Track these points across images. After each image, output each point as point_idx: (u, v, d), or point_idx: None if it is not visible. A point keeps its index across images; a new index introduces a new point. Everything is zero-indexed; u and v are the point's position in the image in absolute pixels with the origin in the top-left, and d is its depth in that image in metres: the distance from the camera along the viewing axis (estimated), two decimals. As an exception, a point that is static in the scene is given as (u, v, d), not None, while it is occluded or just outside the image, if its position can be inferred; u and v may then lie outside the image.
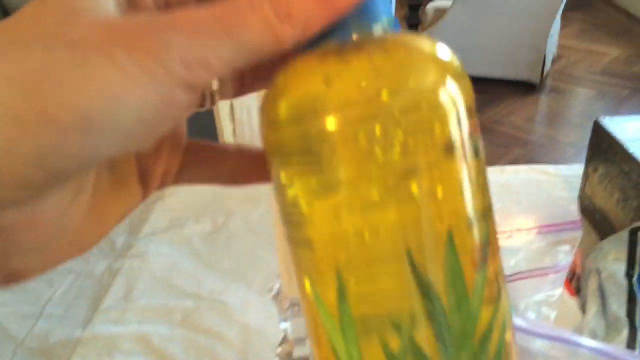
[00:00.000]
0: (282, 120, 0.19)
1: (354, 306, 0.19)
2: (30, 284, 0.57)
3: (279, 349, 0.35)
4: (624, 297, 0.48)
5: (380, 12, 0.19)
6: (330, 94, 0.18)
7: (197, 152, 0.23)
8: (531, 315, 0.37)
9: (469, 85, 0.19)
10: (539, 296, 0.38)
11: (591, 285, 0.50)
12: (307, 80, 0.18)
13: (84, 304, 0.54)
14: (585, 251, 0.56)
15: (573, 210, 0.42)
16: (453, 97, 0.18)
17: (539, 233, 0.40)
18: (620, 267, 0.51)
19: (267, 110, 0.19)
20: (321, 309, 0.20)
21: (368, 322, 0.19)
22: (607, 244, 0.55)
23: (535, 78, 2.50)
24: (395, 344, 0.19)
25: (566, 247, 0.39)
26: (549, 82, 2.61)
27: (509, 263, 0.39)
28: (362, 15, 0.19)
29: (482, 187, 0.20)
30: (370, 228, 0.18)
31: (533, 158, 2.03)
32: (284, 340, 0.35)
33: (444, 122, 0.18)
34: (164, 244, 0.62)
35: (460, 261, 0.19)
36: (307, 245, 0.19)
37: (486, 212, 0.20)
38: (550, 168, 0.78)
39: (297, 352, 0.36)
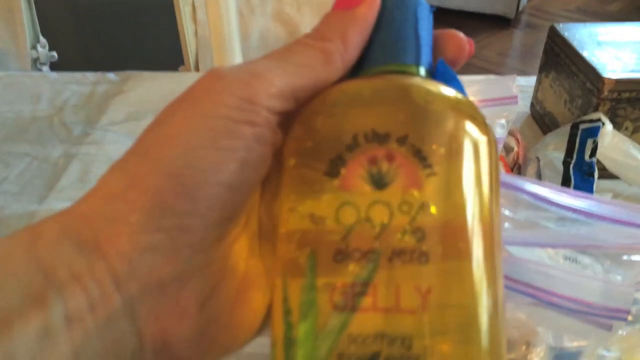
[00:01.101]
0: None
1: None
2: (-16, 163, 0.57)
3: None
4: (559, 180, 0.51)
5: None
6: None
7: None
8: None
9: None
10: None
11: (530, 171, 0.53)
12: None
13: (39, 184, 0.55)
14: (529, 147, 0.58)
15: (511, 87, 0.43)
16: None
17: (480, 107, 0.41)
18: (559, 156, 0.53)
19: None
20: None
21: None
22: (550, 137, 0.57)
23: (510, 13, 2.49)
24: None
25: (503, 121, 0.41)
26: (524, 17, 2.60)
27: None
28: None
29: (373, 221, 0.17)
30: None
31: (502, 91, 2.05)
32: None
33: None
34: (121, 133, 0.63)
35: (316, 294, 0.16)
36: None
37: (369, 256, 0.16)
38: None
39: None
